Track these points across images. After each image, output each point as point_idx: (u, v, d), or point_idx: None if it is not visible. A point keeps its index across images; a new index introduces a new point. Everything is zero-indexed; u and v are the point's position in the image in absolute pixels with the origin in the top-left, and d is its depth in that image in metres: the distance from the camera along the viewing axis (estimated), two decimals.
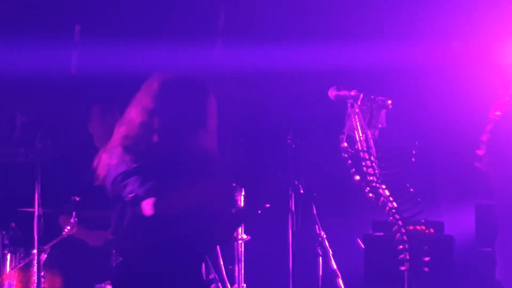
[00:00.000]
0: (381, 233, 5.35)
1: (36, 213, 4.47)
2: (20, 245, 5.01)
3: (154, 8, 6.44)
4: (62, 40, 6.21)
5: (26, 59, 5.83)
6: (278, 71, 6.36)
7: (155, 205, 3.02)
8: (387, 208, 2.97)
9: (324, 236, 4.94)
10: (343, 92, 3.20)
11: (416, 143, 3.28)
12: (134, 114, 3.25)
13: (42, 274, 4.63)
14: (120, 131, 3.26)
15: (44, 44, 5.86)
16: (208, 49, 6.34)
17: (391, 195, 3.05)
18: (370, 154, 2.97)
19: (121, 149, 3.13)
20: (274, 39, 6.25)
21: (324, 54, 6.07)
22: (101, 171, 3.28)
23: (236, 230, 4.81)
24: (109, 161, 3.21)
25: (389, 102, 3.15)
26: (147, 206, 3.03)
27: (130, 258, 3.35)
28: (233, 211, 4.63)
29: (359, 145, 3.02)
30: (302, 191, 4.81)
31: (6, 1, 6.12)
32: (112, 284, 3.76)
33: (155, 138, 3.18)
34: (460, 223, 5.89)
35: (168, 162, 3.19)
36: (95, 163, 3.34)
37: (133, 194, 3.08)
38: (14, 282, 5.00)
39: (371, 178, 2.99)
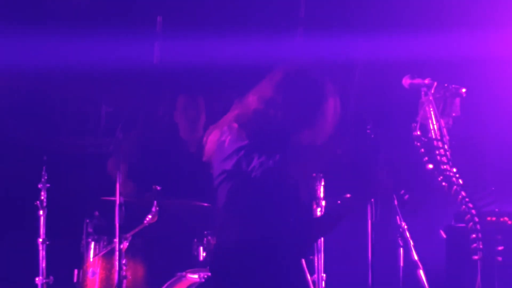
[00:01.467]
0: (463, 224, 5.34)
1: (118, 202, 4.62)
2: (104, 233, 5.19)
3: None
4: (145, 31, 6.46)
5: (110, 51, 6.02)
6: (354, 61, 6.40)
7: (295, 172, 3.26)
8: (460, 196, 2.97)
9: (405, 227, 4.95)
10: (417, 80, 3.21)
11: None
12: (251, 100, 3.35)
13: (124, 262, 4.80)
14: (233, 113, 3.37)
15: (127, 35, 6.09)
16: (289, 39, 6.43)
17: (464, 183, 3.02)
18: (443, 143, 2.99)
19: (237, 126, 3.21)
20: (351, 29, 6.33)
21: (400, 44, 6.08)
22: (209, 146, 3.39)
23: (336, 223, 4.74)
24: (220, 137, 3.28)
25: (463, 90, 3.12)
26: (291, 172, 3.23)
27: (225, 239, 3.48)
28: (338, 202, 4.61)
29: (432, 133, 3.04)
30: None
31: None
32: (210, 267, 3.97)
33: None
34: None
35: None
36: (204, 139, 3.47)
37: (262, 168, 3.15)
38: (98, 269, 5.17)
39: (445, 166, 2.99)
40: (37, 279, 5.00)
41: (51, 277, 5.06)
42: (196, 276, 4.97)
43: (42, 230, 4.99)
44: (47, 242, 5.03)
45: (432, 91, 3.10)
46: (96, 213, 5.20)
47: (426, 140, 3.00)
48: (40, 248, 5.02)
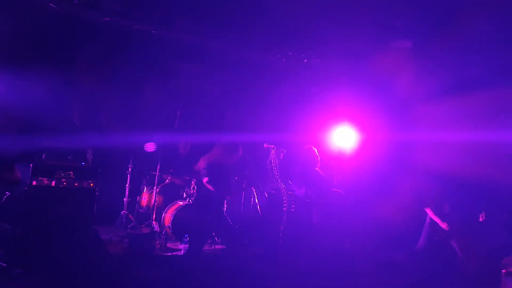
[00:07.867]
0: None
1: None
2: None
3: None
4: None
5: None
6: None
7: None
8: (278, 182, 7.82)
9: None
10: (267, 145, 7.96)
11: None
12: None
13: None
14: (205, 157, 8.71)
15: None
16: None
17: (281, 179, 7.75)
18: (275, 166, 7.90)
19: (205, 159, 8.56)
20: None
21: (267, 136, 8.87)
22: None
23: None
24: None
25: (284, 151, 7.96)
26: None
27: None
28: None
29: (272, 163, 7.99)
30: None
31: None
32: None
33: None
34: None
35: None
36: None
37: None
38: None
39: (275, 173, 7.80)
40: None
41: None
42: (181, 203, 8.61)
43: None
44: None
45: (274, 149, 7.96)
46: None
47: (271, 165, 7.89)
48: None
